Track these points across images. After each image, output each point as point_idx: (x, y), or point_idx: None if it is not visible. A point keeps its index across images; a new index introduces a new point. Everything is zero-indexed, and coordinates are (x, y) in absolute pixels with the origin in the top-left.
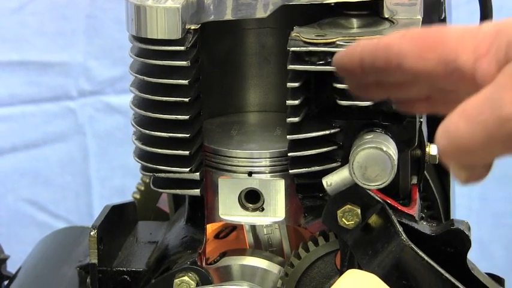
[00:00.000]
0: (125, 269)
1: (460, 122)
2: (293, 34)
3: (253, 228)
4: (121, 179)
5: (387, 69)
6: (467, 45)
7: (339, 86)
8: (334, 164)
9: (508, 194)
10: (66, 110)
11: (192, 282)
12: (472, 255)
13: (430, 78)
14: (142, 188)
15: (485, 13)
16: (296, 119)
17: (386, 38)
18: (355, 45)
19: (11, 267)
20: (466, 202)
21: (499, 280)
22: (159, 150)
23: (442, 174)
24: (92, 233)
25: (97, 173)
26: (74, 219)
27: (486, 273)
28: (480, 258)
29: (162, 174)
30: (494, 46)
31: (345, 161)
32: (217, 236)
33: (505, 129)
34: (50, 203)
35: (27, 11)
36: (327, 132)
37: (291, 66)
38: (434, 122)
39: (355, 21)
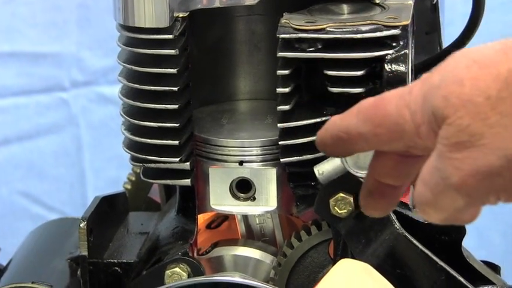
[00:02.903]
0: (115, 260)
1: (425, 192)
2: (283, 21)
3: (245, 218)
4: (116, 170)
5: (356, 148)
6: (406, 116)
7: (330, 72)
8: None
9: None
10: (59, 101)
11: (184, 273)
12: (469, 243)
13: (398, 151)
14: (134, 179)
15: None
16: (287, 107)
17: (345, 120)
18: (324, 127)
19: (5, 260)
20: None
21: (494, 268)
22: (149, 140)
23: None
24: (81, 225)
25: (91, 164)
26: (69, 211)
27: (482, 261)
28: (478, 246)
29: (152, 165)
30: (425, 114)
31: None
32: (208, 226)
33: (459, 193)
34: (44, 195)
35: (19, 2)
36: (318, 120)
37: (280, 54)
38: None
39: (345, 7)
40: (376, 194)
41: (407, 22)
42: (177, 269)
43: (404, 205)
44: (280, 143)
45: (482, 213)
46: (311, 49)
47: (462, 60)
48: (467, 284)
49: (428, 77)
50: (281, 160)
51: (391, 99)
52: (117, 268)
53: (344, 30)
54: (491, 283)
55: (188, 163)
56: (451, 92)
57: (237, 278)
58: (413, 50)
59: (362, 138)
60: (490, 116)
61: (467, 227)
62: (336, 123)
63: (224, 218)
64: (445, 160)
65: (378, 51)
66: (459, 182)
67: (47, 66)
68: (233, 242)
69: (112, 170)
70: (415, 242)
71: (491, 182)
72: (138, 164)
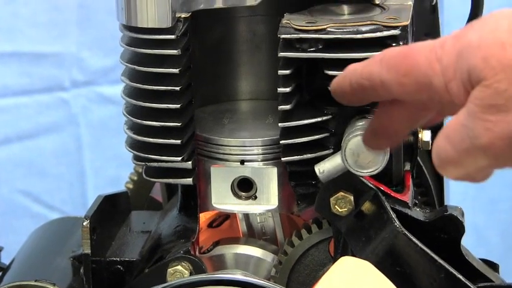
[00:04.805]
0: (118, 259)
1: (447, 148)
2: (284, 21)
3: (246, 216)
4: (115, 169)
5: (376, 96)
6: (436, 69)
7: (330, 72)
8: (327, 151)
9: (504, 180)
10: (59, 100)
11: (186, 271)
12: (467, 241)
13: (419, 102)
14: (135, 178)
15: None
16: (287, 107)
17: (368, 67)
18: (343, 75)
19: (6, 259)
20: (462, 188)
21: (493, 266)
22: (151, 140)
23: None
24: (84, 223)
25: (91, 164)
26: (69, 210)
27: (481, 259)
28: (476, 244)
29: (154, 164)
30: (458, 71)
31: (337, 148)
32: (210, 225)
33: (485, 154)
34: (44, 193)
35: (20, 2)
36: (319, 119)
37: (281, 54)
38: None
39: (346, 8)
40: (380, 134)
41: (407, 23)
42: (179, 267)
43: (404, 204)
44: (281, 142)
45: (480, 211)
46: (312, 49)
47: (503, 22)
48: (466, 282)
49: (461, 34)
50: (282, 159)
51: (420, 50)
52: (119, 266)
53: (344, 30)
54: (490, 281)
55: (190, 162)
56: (492, 55)
57: (238, 276)
58: None
59: (385, 87)
60: None
61: (465, 226)
62: (357, 70)
63: (225, 217)
64: (476, 120)
65: (378, 52)
66: (488, 143)
67: (47, 66)
68: (234, 240)
69: (112, 169)
70: (414, 240)
71: None
72: (140, 163)
